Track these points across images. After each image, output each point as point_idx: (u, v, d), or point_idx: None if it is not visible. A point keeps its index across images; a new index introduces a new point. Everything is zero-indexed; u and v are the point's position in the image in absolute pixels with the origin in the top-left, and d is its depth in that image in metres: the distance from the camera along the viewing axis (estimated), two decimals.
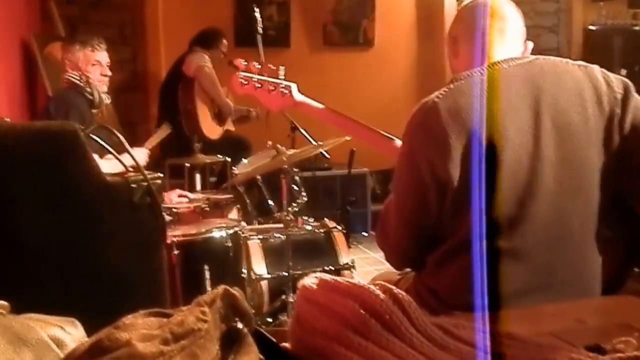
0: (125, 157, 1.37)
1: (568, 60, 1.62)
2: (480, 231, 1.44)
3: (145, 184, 1.22)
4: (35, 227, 1.08)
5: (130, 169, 1.28)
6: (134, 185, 1.21)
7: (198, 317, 0.67)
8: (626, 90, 1.54)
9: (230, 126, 5.34)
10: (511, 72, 1.54)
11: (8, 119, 1.08)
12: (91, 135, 1.17)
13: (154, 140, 3.84)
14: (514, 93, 1.51)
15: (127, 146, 1.28)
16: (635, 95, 1.55)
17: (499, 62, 1.57)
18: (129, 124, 5.39)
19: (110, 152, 1.26)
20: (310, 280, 0.92)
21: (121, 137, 1.28)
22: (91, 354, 0.60)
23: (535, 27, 6.40)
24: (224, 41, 5.21)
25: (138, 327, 0.64)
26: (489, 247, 1.45)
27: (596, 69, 1.58)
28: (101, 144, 1.24)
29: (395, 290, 0.95)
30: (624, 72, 6.09)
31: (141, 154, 3.36)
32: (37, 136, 1.07)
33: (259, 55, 3.75)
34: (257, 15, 3.66)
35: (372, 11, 6.27)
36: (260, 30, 3.66)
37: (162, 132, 4.01)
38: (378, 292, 0.91)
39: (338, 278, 0.91)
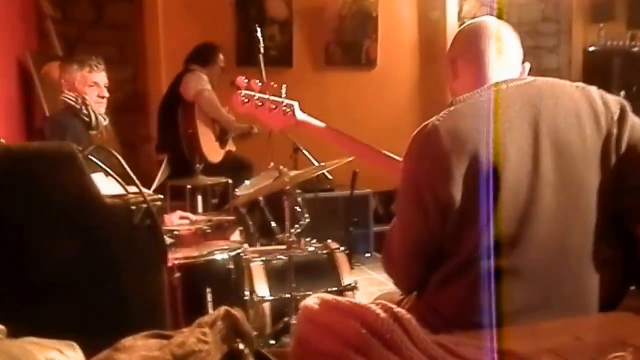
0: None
1: (566, 81, 1.64)
2: (481, 251, 1.46)
3: (145, 205, 1.22)
4: (33, 249, 1.07)
5: (131, 191, 1.28)
6: (133, 207, 1.20)
7: (199, 339, 0.67)
8: (622, 110, 1.57)
9: (232, 147, 5.29)
10: (510, 94, 1.56)
11: (3, 140, 1.07)
12: (90, 156, 1.16)
13: (157, 182, 3.79)
14: (514, 114, 1.53)
15: (127, 167, 1.28)
16: (631, 115, 1.57)
17: (498, 83, 1.59)
18: (130, 145, 5.38)
19: (109, 174, 1.26)
20: (311, 301, 0.92)
21: (120, 158, 1.28)
22: None
23: (536, 47, 6.51)
24: (221, 56, 5.11)
25: (138, 349, 0.63)
26: (488, 266, 1.46)
27: (593, 90, 1.61)
28: (100, 166, 1.24)
29: (396, 309, 0.95)
30: (622, 93, 6.23)
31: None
32: (34, 158, 1.06)
33: (261, 74, 3.76)
34: (259, 35, 3.68)
35: (375, 31, 6.30)
36: (262, 49, 3.67)
37: (164, 173, 3.97)
38: (379, 311, 0.91)
39: (339, 298, 0.91)
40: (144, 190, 1.23)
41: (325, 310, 0.90)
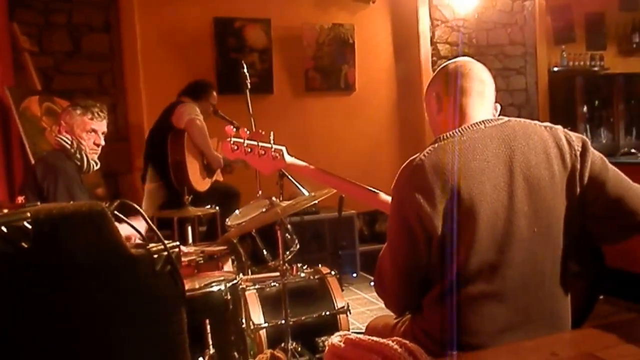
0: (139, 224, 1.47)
1: (536, 122, 1.80)
2: (463, 278, 1.63)
3: (166, 253, 1.31)
4: (64, 302, 1.14)
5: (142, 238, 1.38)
6: (155, 256, 1.29)
7: None
8: (584, 146, 1.75)
9: (219, 176, 5.29)
10: (488, 133, 1.72)
11: (39, 203, 1.14)
12: (116, 212, 1.25)
13: (143, 206, 3.77)
14: (491, 152, 1.69)
15: (147, 219, 1.37)
16: (592, 150, 1.76)
17: (477, 123, 1.75)
18: (112, 175, 5.41)
19: (130, 225, 1.35)
20: (337, 339, 1.04)
21: (142, 212, 1.37)
22: None
23: (505, 69, 6.90)
24: (214, 93, 5.13)
25: None
26: (472, 290, 1.63)
27: (559, 129, 1.79)
28: (127, 222, 1.32)
29: (409, 344, 1.08)
30: (585, 107, 7.09)
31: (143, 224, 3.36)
32: (71, 219, 1.13)
33: (246, 106, 3.83)
34: (245, 71, 3.74)
35: (352, 57, 6.46)
36: (248, 85, 3.73)
37: (152, 200, 3.96)
38: (396, 346, 1.04)
39: (361, 336, 1.03)
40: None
41: (350, 347, 1.01)
